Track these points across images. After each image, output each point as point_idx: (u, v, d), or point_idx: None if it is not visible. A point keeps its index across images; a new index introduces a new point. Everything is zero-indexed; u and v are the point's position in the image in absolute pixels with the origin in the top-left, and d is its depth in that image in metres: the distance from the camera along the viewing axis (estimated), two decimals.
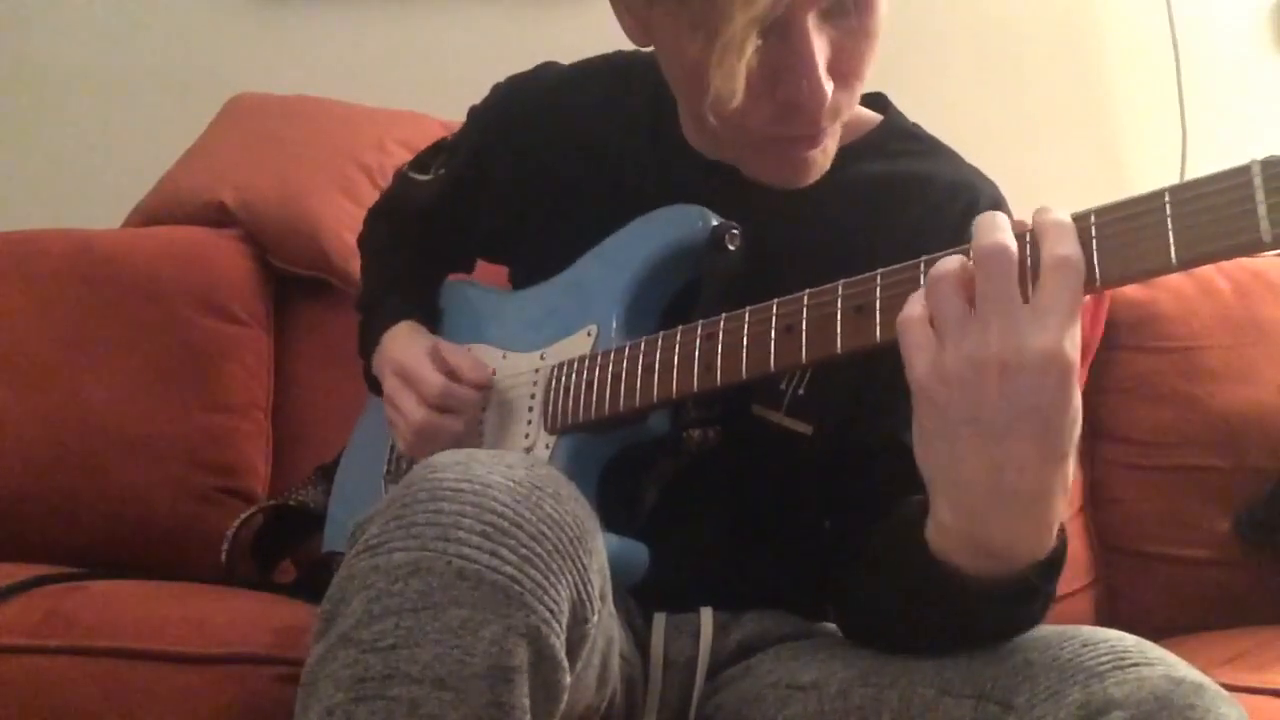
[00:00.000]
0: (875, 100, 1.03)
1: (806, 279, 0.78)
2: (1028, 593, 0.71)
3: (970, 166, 1.00)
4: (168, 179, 1.69)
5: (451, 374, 1.00)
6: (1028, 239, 0.65)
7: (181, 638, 0.99)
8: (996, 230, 0.65)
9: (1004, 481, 0.66)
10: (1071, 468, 0.67)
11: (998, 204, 0.97)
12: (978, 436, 0.65)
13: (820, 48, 0.79)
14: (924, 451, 0.69)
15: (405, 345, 1.06)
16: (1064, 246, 0.63)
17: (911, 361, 0.67)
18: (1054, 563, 0.71)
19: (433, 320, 1.13)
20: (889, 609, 0.82)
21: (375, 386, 1.13)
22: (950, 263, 0.66)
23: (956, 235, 0.93)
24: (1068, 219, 0.64)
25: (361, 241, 1.29)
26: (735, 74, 0.76)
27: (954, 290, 0.65)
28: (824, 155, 0.88)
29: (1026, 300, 0.63)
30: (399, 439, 1.04)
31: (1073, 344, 0.63)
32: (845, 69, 0.82)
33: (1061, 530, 0.71)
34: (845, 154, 0.96)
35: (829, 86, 0.80)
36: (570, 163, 1.03)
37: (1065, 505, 0.69)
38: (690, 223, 0.93)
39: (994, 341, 0.63)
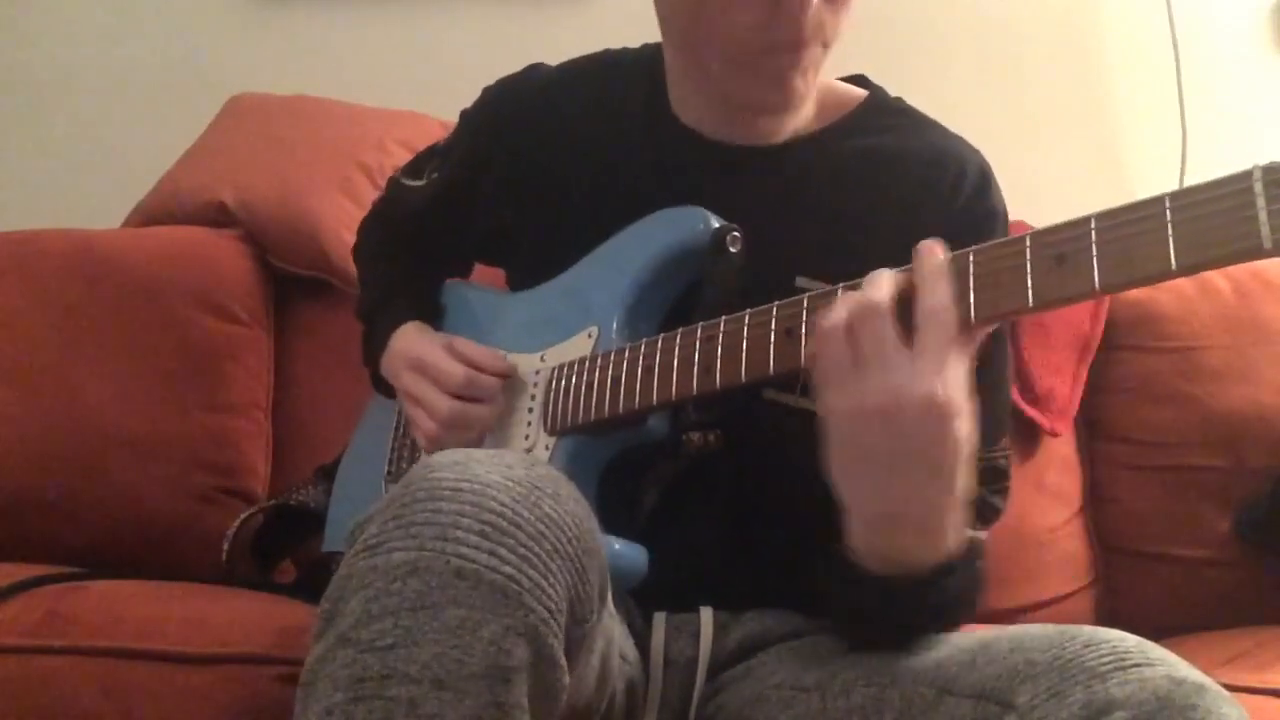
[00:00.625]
0: (856, 81, 1.05)
1: (801, 256, 0.80)
2: (930, 588, 0.78)
3: (957, 136, 1.02)
4: (168, 179, 1.69)
5: (470, 364, 1.00)
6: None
7: (181, 638, 0.99)
8: (871, 287, 0.72)
9: (894, 508, 0.74)
10: (963, 483, 0.73)
11: (985, 172, 0.99)
12: (868, 471, 0.73)
13: None
14: (831, 473, 0.76)
15: (417, 341, 1.06)
16: (933, 297, 0.69)
17: (817, 390, 0.75)
18: (952, 564, 0.78)
19: (437, 321, 1.13)
20: (841, 603, 0.87)
21: (385, 390, 1.12)
22: (836, 314, 0.72)
23: (947, 206, 0.95)
24: (942, 262, 0.70)
25: (356, 251, 1.29)
26: None
27: (841, 340, 0.71)
28: (803, 82, 0.92)
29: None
30: (420, 434, 1.03)
31: (953, 386, 0.69)
32: None
33: (968, 533, 0.77)
34: (834, 131, 0.98)
35: None
36: (564, 162, 1.03)
37: (960, 515, 0.76)
38: (691, 225, 0.93)
39: (872, 391, 0.70)
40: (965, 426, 0.71)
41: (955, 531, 0.77)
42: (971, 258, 0.70)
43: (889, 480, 0.72)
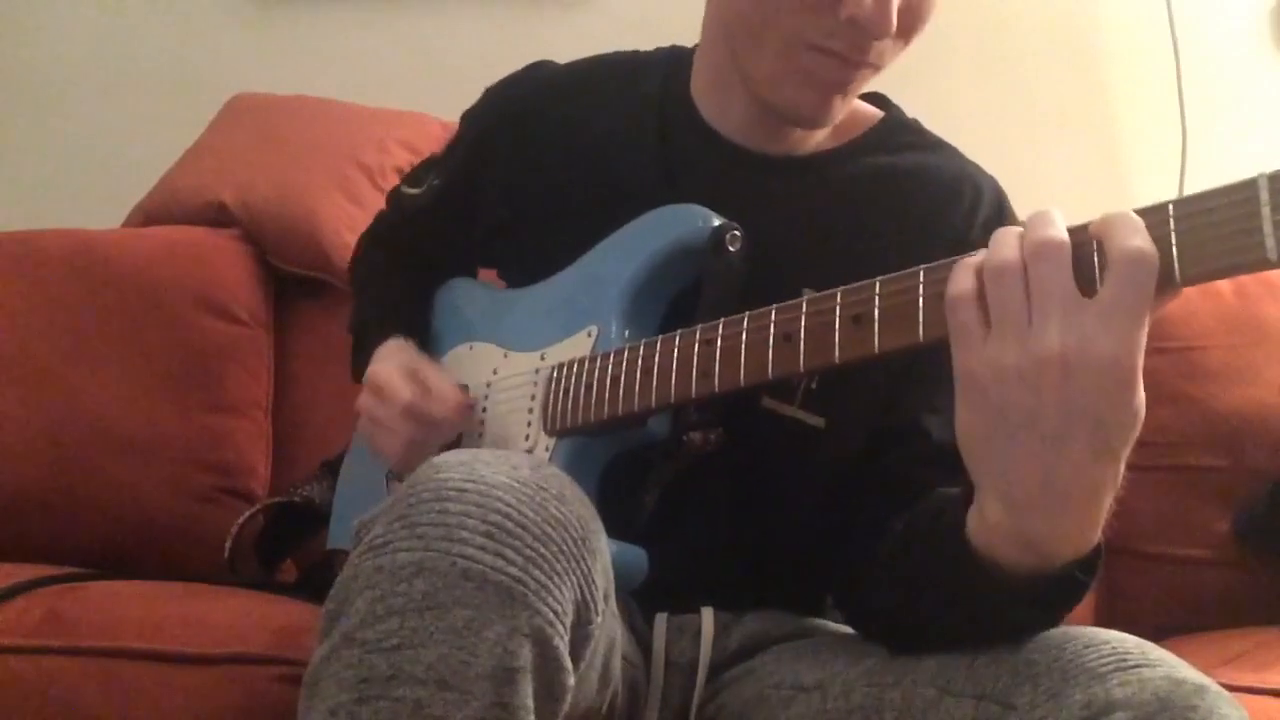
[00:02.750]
0: (875, 100, 1.04)
1: (809, 268, 0.79)
2: (1067, 588, 0.70)
3: (971, 161, 1.01)
4: (168, 179, 1.69)
5: (425, 392, 0.98)
6: (1090, 237, 0.63)
7: (181, 638, 0.99)
8: (1049, 225, 0.63)
9: (1056, 482, 0.65)
10: (1123, 464, 0.66)
11: (1000, 197, 0.99)
12: (1034, 438, 0.64)
13: None
14: (973, 448, 0.68)
15: (388, 361, 1.04)
16: (1136, 239, 0.60)
17: (963, 347, 0.65)
18: (1095, 559, 0.70)
19: (424, 337, 1.11)
20: (916, 606, 0.80)
21: None
22: (1011, 252, 0.64)
23: (962, 230, 0.94)
24: (1135, 215, 0.62)
25: (353, 267, 1.28)
26: None
27: (1017, 282, 0.63)
28: (843, 103, 0.91)
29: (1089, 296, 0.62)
30: (381, 452, 1.02)
31: (1139, 347, 0.61)
32: (905, 24, 0.86)
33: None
34: (850, 148, 0.97)
35: (895, 20, 0.83)
36: (566, 159, 1.03)
37: (1113, 498, 0.68)
38: (691, 223, 0.92)
39: (1055, 339, 0.61)
40: (1142, 396, 0.63)
41: (1105, 517, 0.68)
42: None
43: (1056, 449, 0.63)
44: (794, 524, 0.96)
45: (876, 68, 0.90)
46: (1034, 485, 0.65)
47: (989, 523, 0.69)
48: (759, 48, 0.90)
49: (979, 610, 0.74)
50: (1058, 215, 0.64)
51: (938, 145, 1.02)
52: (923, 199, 0.96)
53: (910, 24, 0.86)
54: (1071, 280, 0.62)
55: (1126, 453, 0.65)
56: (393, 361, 1.03)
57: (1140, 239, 0.60)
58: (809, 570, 0.96)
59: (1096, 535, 0.69)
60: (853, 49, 0.86)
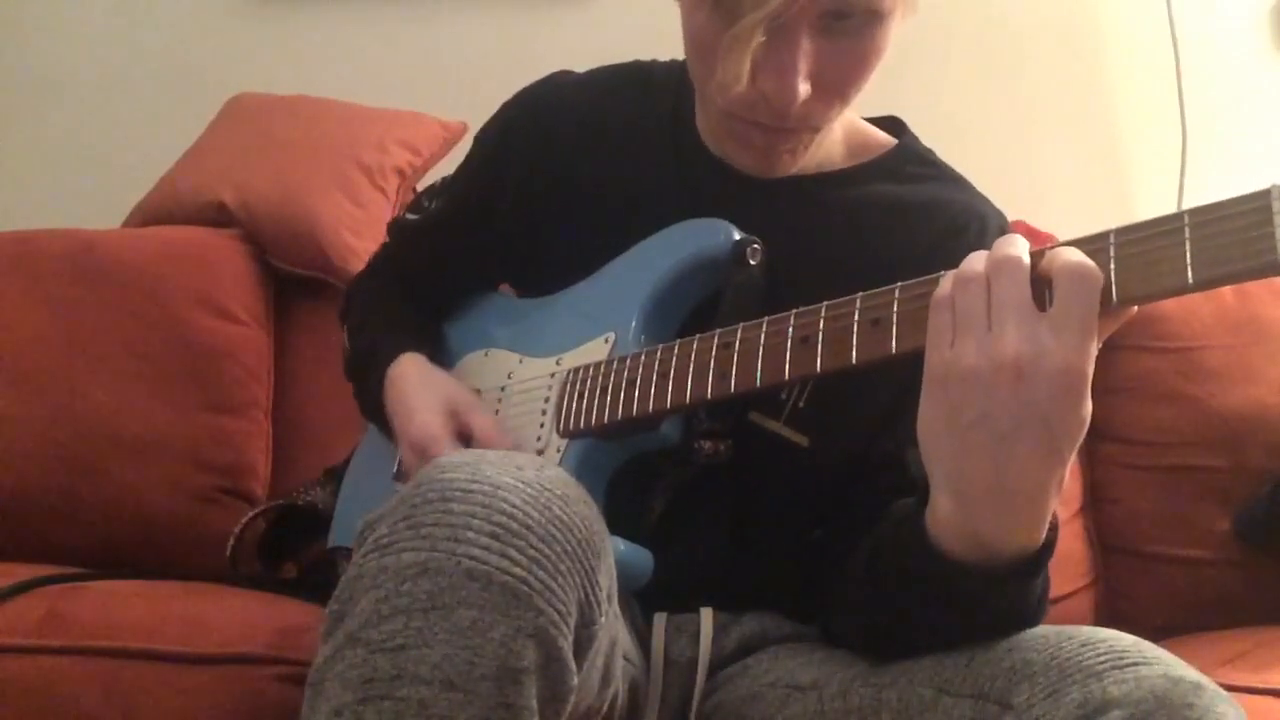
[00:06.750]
0: (892, 125, 1.04)
1: (815, 291, 0.79)
2: (1016, 580, 0.73)
3: (980, 195, 1.01)
4: (168, 179, 1.69)
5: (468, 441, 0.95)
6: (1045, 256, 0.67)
7: (181, 638, 0.99)
8: (1012, 245, 0.68)
9: (1004, 480, 0.68)
10: (1069, 469, 0.69)
11: (1005, 232, 0.98)
12: (985, 436, 0.67)
13: (806, 52, 0.83)
14: (930, 442, 0.71)
15: (415, 403, 0.99)
16: (1075, 255, 0.65)
17: (933, 347, 0.69)
18: (1042, 557, 0.73)
19: (434, 347, 1.09)
20: (885, 605, 0.82)
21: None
22: (977, 265, 0.68)
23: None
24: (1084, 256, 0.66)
25: (345, 308, 1.23)
26: (741, 62, 0.81)
27: (980, 291, 0.67)
28: (791, 155, 0.92)
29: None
30: None
31: (1089, 356, 0.65)
32: (827, 79, 0.85)
33: (1054, 524, 0.72)
34: (859, 174, 0.98)
35: (803, 89, 0.83)
36: (585, 172, 1.02)
37: (1057, 501, 0.71)
38: (713, 235, 0.93)
39: (1011, 345, 0.65)
40: (1089, 404, 0.66)
41: (1050, 516, 0.71)
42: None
43: (1006, 447, 0.66)
44: (788, 536, 0.97)
45: (814, 128, 0.90)
46: (983, 481, 0.69)
47: (939, 519, 0.72)
48: (704, 106, 0.94)
49: (942, 605, 0.76)
50: (1022, 239, 0.69)
51: (948, 177, 1.01)
52: (927, 231, 0.96)
53: (835, 82, 0.86)
54: (1028, 294, 0.66)
55: (1072, 456, 0.68)
56: (421, 400, 0.99)
57: (1080, 255, 0.65)
58: (805, 579, 0.96)
59: (1041, 534, 0.72)
60: (772, 117, 0.87)
